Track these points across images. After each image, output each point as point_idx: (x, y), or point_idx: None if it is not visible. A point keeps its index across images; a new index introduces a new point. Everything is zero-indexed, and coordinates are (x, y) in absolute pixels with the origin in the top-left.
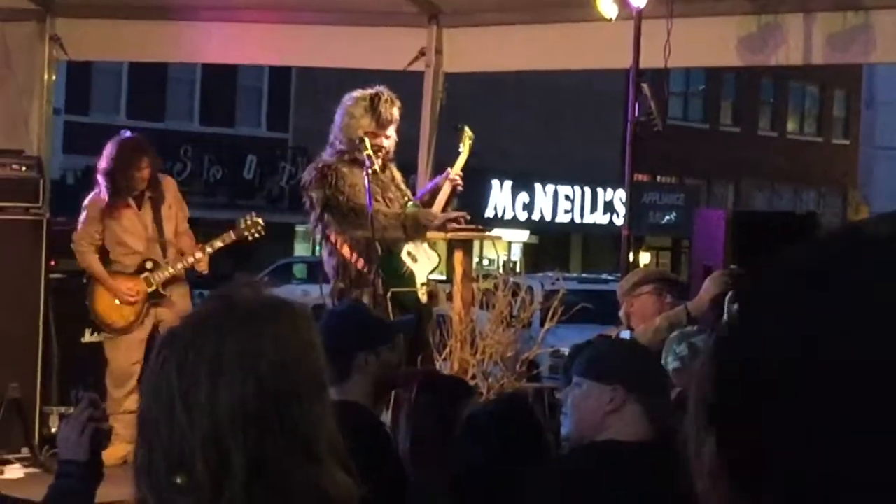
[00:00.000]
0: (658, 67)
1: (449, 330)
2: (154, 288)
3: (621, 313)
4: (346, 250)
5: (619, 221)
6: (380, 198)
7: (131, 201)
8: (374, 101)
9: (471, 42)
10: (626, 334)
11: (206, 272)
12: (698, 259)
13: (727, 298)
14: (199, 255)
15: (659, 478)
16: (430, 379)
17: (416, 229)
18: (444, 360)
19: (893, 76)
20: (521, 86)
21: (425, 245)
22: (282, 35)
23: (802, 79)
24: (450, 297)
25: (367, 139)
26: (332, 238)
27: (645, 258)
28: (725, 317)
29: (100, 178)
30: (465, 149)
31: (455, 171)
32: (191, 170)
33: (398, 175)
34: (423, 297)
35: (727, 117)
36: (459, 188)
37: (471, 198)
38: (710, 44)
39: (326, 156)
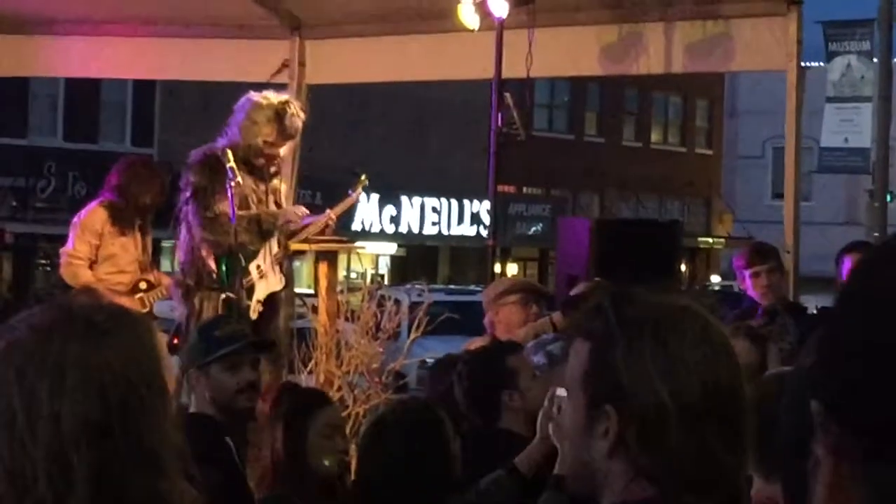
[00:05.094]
0: (521, 77)
1: (314, 342)
2: (148, 309)
3: (486, 322)
4: (199, 242)
5: (486, 233)
6: (254, 204)
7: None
8: (280, 112)
9: (334, 54)
10: None
11: None
12: (563, 269)
13: None
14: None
15: None
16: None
17: (264, 233)
18: (310, 372)
19: (755, 85)
20: (388, 98)
21: (278, 266)
22: (144, 49)
23: (665, 89)
24: (315, 310)
25: (229, 151)
26: (191, 225)
27: (512, 269)
28: None
29: (108, 193)
30: (355, 194)
31: (335, 213)
32: (55, 186)
33: (283, 188)
34: (254, 315)
35: (592, 128)
36: (332, 225)
37: None
38: (572, 53)
39: (219, 143)
